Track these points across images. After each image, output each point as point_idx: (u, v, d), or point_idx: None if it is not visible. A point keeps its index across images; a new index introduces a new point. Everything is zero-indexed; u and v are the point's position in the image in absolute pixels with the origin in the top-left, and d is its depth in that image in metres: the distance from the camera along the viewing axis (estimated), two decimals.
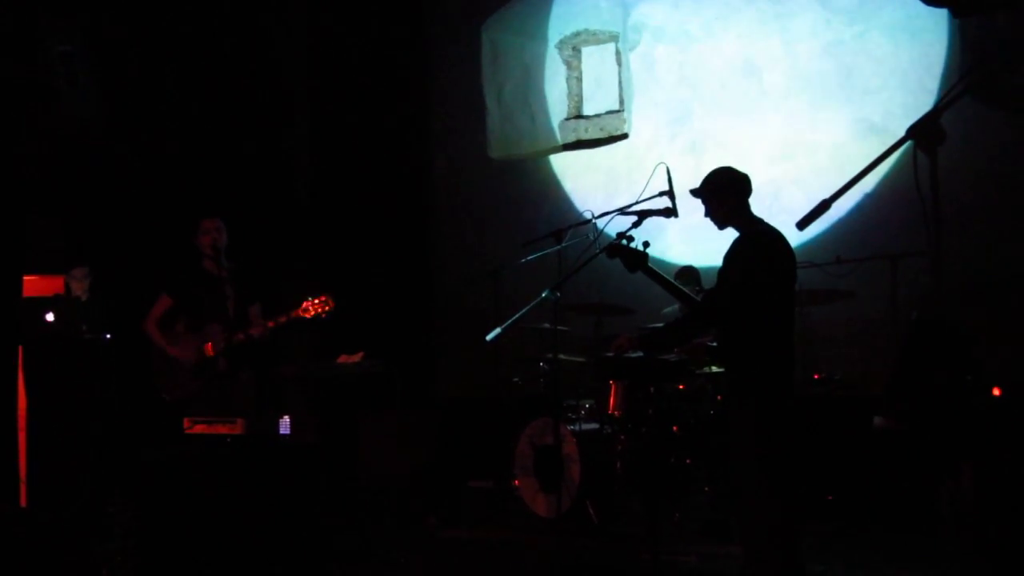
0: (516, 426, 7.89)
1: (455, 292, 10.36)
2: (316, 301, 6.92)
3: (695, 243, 8.55)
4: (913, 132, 3.81)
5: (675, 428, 7.45)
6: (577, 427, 7.61)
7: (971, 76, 6.35)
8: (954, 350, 3.87)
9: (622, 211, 5.88)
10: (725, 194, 5.28)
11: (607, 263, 5.66)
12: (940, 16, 8.34)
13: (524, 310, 6.29)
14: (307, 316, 6.91)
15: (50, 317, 7.65)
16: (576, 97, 10.07)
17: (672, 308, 7.87)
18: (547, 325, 7.18)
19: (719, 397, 7.33)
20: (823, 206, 4.15)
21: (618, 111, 9.82)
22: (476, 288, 8.74)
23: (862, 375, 7.80)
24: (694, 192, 5.36)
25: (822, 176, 8.59)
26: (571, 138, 10.04)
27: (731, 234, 5.29)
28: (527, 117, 10.26)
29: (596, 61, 9.99)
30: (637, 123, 9.70)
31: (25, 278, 8.71)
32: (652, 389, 7.50)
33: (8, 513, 7.77)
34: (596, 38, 9.97)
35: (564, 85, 10.11)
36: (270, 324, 6.95)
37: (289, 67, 10.66)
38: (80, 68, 8.58)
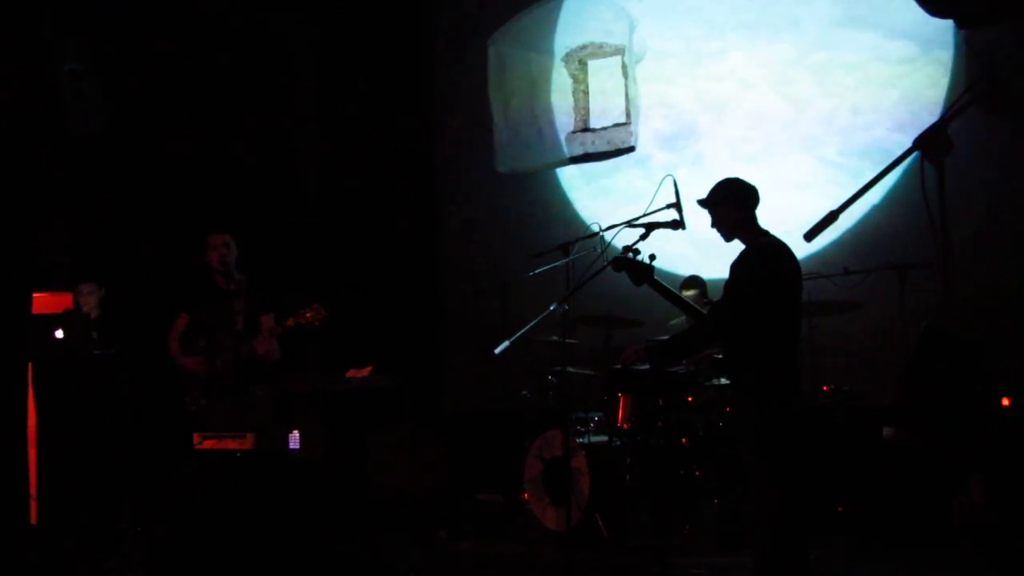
0: (525, 439, 7.89)
1: (463, 305, 10.35)
2: (307, 311, 6.95)
3: (705, 254, 8.55)
4: (920, 143, 3.80)
5: (684, 440, 7.44)
6: (586, 440, 7.60)
7: (978, 86, 6.32)
8: (963, 361, 3.86)
9: (630, 223, 5.88)
10: (732, 205, 5.28)
11: (615, 275, 5.65)
12: (946, 26, 8.34)
13: (532, 323, 6.30)
14: (302, 322, 6.94)
15: (59, 334, 7.67)
16: (583, 110, 10.08)
17: (679, 320, 7.87)
18: (555, 338, 7.17)
19: (727, 408, 7.33)
20: (830, 217, 4.14)
21: (625, 124, 9.83)
22: (484, 301, 8.74)
23: (871, 386, 7.78)
24: (701, 202, 5.36)
25: (829, 187, 8.60)
26: (578, 151, 10.05)
27: (739, 245, 5.29)
28: (534, 130, 10.28)
29: (602, 74, 10.00)
30: (644, 136, 9.71)
31: (34, 295, 8.72)
32: (661, 401, 7.50)
33: (19, 529, 7.78)
34: (602, 51, 9.99)
35: (571, 98, 10.13)
36: (272, 333, 6.97)
37: (297, 82, 10.69)
38: (88, 85, 8.60)
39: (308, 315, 6.96)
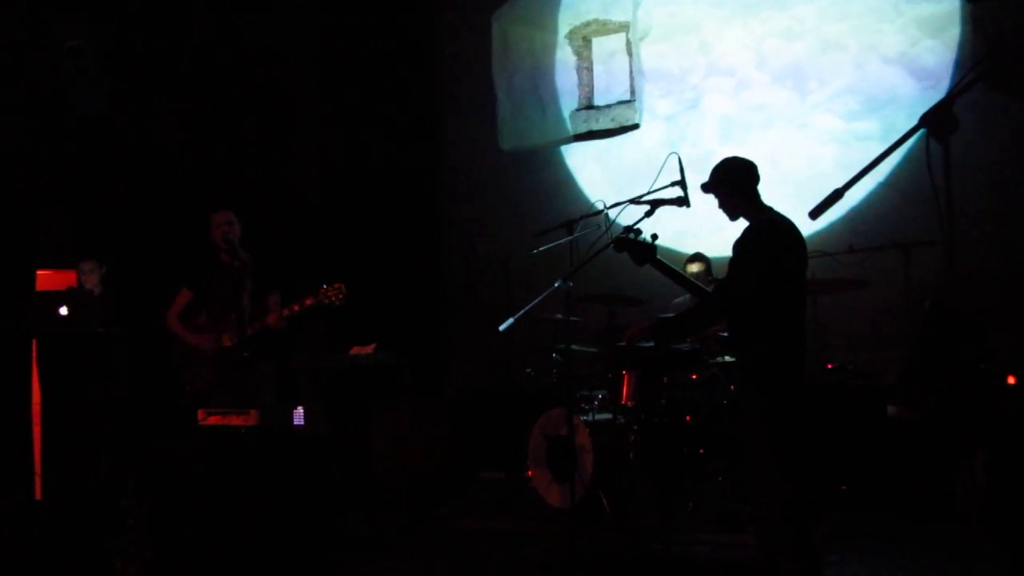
0: (529, 417, 7.89)
1: (467, 283, 10.36)
2: (332, 288, 6.93)
3: (709, 232, 8.54)
4: (926, 120, 3.79)
5: (688, 418, 7.43)
6: (590, 417, 7.60)
7: (984, 64, 6.30)
8: (968, 339, 3.86)
9: (634, 201, 5.86)
10: (732, 183, 5.25)
11: (619, 254, 5.64)
12: (953, 2, 8.31)
13: (536, 300, 6.28)
14: (324, 302, 6.92)
15: (63, 311, 7.67)
16: (587, 87, 10.05)
17: (684, 298, 7.86)
18: (559, 316, 7.15)
19: (732, 386, 7.32)
20: (836, 195, 4.13)
21: (629, 101, 9.80)
22: (488, 279, 8.73)
23: (875, 364, 7.77)
24: (704, 187, 5.33)
25: (835, 164, 8.58)
26: (582, 129, 10.03)
27: (744, 223, 5.26)
28: (538, 108, 10.25)
29: (607, 51, 9.97)
30: (648, 113, 9.68)
31: (38, 272, 8.73)
32: (665, 379, 7.49)
33: (23, 506, 7.80)
34: (607, 28, 9.95)
35: (575, 75, 10.10)
36: (284, 312, 6.95)
37: (300, 57, 10.66)
38: (89, 63, 8.58)
39: (330, 294, 6.94)
